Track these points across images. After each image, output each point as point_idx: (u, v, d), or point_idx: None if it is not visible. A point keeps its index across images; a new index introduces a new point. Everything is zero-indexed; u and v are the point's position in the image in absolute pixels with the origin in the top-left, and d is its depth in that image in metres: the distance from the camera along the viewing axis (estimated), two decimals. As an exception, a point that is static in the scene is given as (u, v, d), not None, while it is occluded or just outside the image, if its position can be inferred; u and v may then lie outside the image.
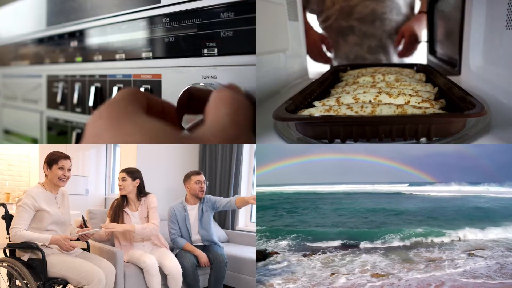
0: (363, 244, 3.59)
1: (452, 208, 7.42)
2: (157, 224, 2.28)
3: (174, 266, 2.17)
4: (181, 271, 2.19)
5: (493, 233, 4.03)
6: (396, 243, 3.59)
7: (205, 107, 0.82)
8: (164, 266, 2.17)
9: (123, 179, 2.29)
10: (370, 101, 1.49)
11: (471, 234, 3.93)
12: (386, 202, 9.17)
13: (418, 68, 2.27)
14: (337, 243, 3.64)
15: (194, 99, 1.01)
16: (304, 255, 3.33)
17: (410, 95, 1.51)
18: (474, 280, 2.60)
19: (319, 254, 3.33)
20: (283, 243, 3.73)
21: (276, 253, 3.39)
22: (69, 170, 1.95)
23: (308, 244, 3.67)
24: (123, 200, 2.31)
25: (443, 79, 1.74)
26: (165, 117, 0.91)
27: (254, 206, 3.47)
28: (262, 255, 3.21)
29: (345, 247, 3.53)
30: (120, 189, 2.30)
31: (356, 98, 1.51)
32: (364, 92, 1.56)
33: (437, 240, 3.66)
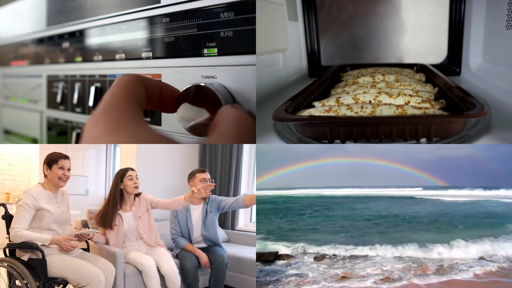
0: (374, 248, 3.57)
1: (463, 213, 7.38)
2: (169, 199, 2.28)
3: (170, 267, 2.15)
4: (177, 271, 2.16)
5: (504, 238, 4.01)
6: (406, 247, 3.58)
7: (213, 121, 0.85)
8: (160, 267, 2.15)
9: (137, 177, 2.27)
10: (370, 101, 1.49)
11: (481, 239, 3.91)
12: (398, 206, 9.13)
13: (418, 68, 2.27)
14: (347, 247, 3.63)
15: (200, 95, 1.00)
16: (315, 258, 3.33)
17: (410, 95, 1.51)
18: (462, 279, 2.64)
19: (330, 258, 3.33)
20: (294, 246, 3.72)
21: (287, 255, 3.39)
22: (69, 169, 1.95)
23: (319, 247, 3.67)
24: (117, 201, 2.25)
25: (443, 79, 1.74)
26: (163, 102, 0.93)
27: (254, 206, 3.47)
28: (273, 257, 3.21)
29: (355, 251, 3.52)
30: (137, 187, 2.26)
31: (356, 98, 1.51)
32: (364, 93, 1.56)
33: (447, 244, 3.65)
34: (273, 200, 11.47)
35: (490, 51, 2.03)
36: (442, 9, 2.39)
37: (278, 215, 7.00)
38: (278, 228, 5.23)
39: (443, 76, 1.79)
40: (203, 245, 2.44)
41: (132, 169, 2.29)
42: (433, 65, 2.23)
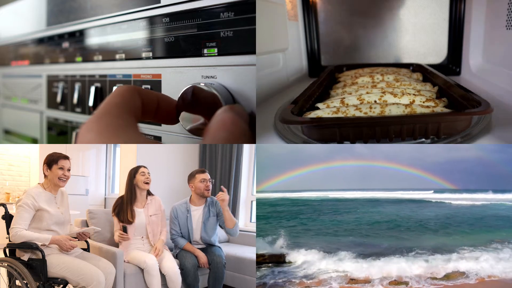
0: (383, 251, 3.56)
1: (474, 216, 7.35)
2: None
3: (171, 267, 2.16)
4: (179, 271, 2.18)
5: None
6: (416, 251, 3.57)
7: (207, 126, 0.85)
8: (162, 266, 2.16)
9: (149, 174, 2.34)
10: (375, 101, 1.49)
11: (491, 243, 3.89)
12: (408, 210, 9.06)
13: (414, 68, 2.27)
14: (356, 250, 3.62)
15: (196, 99, 1.01)
16: (324, 260, 3.32)
17: (414, 94, 1.51)
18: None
19: (338, 260, 3.32)
20: (303, 248, 3.71)
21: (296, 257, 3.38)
22: (69, 170, 1.96)
23: (327, 250, 3.67)
24: (132, 197, 2.32)
25: (442, 78, 1.74)
26: (160, 113, 0.94)
27: (255, 206, 3.47)
28: (282, 259, 3.21)
29: (364, 255, 3.51)
30: (148, 182, 2.34)
31: (361, 98, 1.51)
32: (368, 93, 1.56)
33: (457, 249, 3.64)
34: (282, 202, 11.45)
35: (490, 51, 2.03)
36: (442, 9, 2.39)
37: (287, 217, 7.00)
38: (287, 229, 5.23)
39: (441, 75, 1.79)
40: (202, 245, 2.44)
41: (145, 167, 2.37)
42: (433, 65, 2.23)
